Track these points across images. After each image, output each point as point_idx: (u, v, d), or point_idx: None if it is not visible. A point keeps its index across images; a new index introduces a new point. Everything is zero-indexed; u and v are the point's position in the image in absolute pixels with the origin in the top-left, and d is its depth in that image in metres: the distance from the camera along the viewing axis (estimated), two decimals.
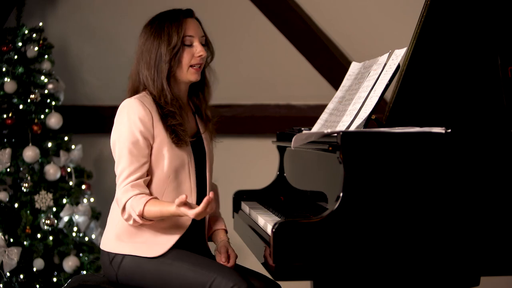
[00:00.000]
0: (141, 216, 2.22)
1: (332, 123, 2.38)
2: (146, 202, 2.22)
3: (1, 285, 3.59)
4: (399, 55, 2.23)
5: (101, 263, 2.37)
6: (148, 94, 2.33)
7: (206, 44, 2.41)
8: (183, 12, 2.37)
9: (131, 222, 2.25)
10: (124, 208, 2.24)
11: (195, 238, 2.40)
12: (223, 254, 2.34)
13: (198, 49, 2.33)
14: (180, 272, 2.21)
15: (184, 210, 2.14)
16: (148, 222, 2.25)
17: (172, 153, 2.29)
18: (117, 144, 2.29)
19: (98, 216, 4.01)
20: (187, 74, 2.34)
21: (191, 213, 2.14)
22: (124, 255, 2.29)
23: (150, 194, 2.29)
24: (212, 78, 2.47)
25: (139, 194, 2.24)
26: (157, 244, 2.27)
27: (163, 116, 2.30)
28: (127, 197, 2.23)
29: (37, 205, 3.74)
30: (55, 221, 3.74)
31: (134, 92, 2.38)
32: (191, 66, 2.33)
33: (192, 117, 2.45)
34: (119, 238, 2.31)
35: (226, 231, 2.50)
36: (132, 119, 2.26)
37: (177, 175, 2.31)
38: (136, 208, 2.21)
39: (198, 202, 2.31)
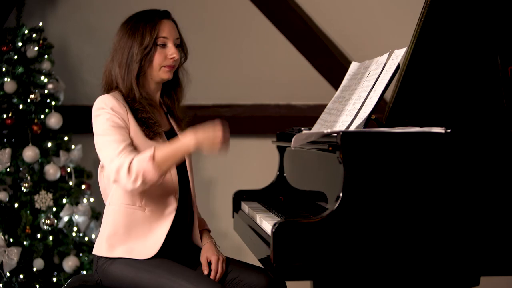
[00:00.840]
0: (152, 158, 2.13)
1: (332, 123, 2.38)
2: (154, 148, 2.17)
3: (1, 285, 3.59)
4: (399, 55, 2.23)
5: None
6: (119, 93, 2.35)
7: (181, 45, 2.42)
8: (160, 13, 2.37)
9: (139, 183, 2.15)
10: (129, 170, 2.14)
11: (182, 238, 2.39)
12: (204, 264, 2.35)
13: (171, 51, 2.34)
14: (158, 280, 2.20)
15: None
16: (158, 170, 2.15)
17: (146, 145, 2.28)
18: (97, 132, 2.28)
19: (98, 216, 4.00)
20: (160, 73, 2.35)
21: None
22: (111, 259, 2.28)
23: None
24: (185, 79, 2.48)
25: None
26: (145, 248, 2.27)
27: (133, 111, 2.30)
28: (129, 159, 2.16)
29: (37, 205, 3.74)
30: (55, 221, 3.74)
31: (107, 88, 2.39)
32: (163, 66, 2.34)
33: (164, 117, 2.46)
34: (108, 242, 2.29)
35: (209, 231, 2.51)
36: (108, 110, 2.27)
37: None
38: (145, 155, 2.15)
39: (181, 197, 2.34)
